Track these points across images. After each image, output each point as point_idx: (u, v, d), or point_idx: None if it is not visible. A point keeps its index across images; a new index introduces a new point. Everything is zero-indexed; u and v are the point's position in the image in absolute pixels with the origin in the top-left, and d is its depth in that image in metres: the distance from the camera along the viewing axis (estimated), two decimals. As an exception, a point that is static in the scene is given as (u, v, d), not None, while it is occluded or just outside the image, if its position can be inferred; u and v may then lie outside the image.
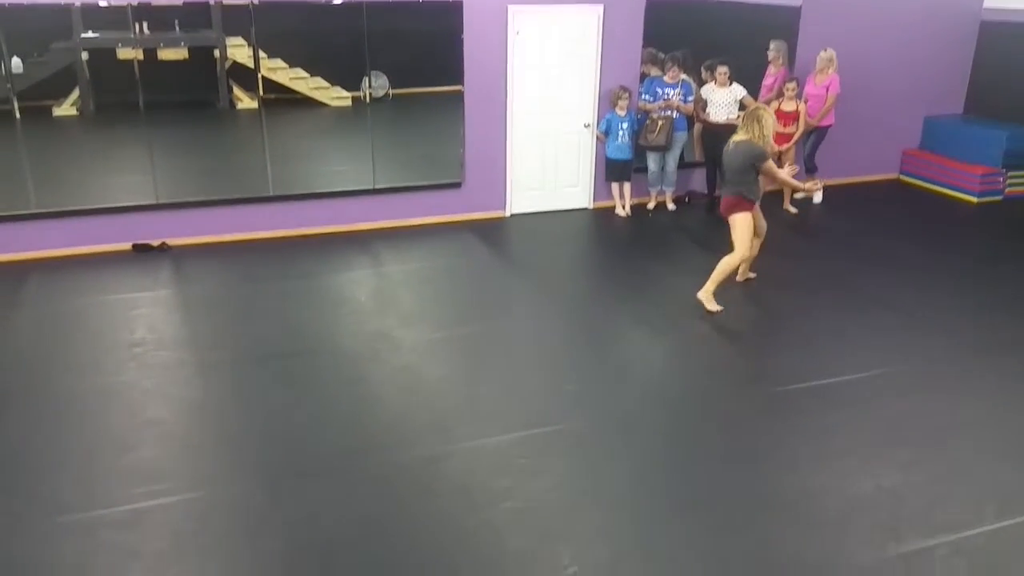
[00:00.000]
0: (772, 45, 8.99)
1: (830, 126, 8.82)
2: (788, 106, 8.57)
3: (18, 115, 7.24)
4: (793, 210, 8.83)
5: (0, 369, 5.35)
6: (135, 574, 3.57)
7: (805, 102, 8.68)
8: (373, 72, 8.16)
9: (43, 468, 4.29)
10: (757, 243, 6.58)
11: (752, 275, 6.83)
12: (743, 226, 6.15)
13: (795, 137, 8.62)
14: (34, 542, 3.75)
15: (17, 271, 7.02)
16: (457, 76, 8.14)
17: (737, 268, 6.35)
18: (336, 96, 8.63)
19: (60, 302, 6.41)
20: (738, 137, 6.15)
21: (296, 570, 3.60)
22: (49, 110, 7.95)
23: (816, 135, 8.85)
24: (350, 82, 8.35)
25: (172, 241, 7.64)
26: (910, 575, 3.58)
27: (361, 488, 4.18)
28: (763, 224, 6.48)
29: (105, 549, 3.71)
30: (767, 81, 9.06)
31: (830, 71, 8.65)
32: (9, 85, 7.15)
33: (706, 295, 6.22)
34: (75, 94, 8.07)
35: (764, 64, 9.06)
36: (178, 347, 5.67)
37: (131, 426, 4.68)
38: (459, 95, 8.19)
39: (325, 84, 8.58)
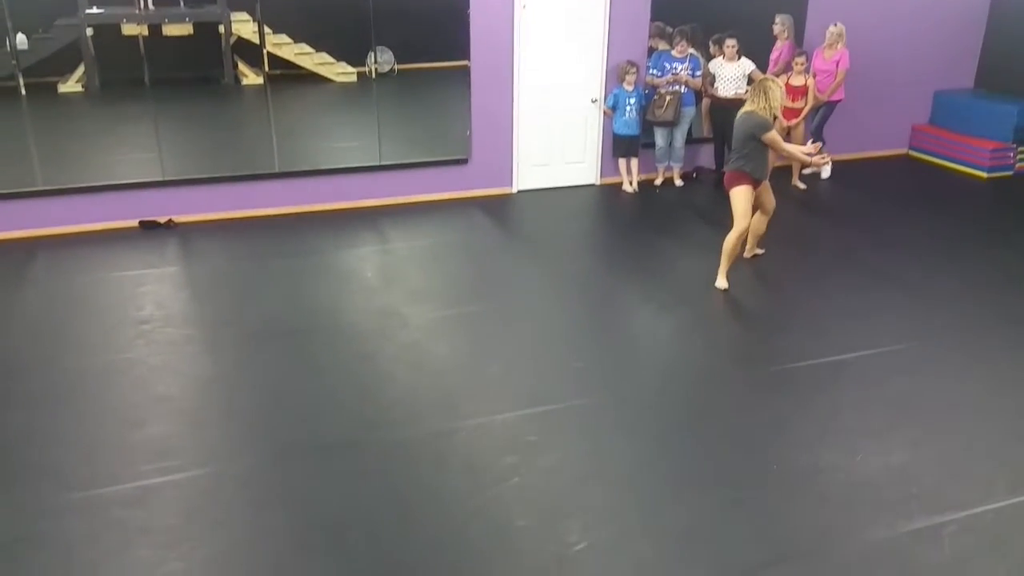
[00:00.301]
0: (778, 19, 8.89)
1: (840, 101, 8.73)
2: (796, 80, 8.49)
3: (23, 91, 7.20)
4: (802, 186, 8.78)
5: (9, 346, 5.37)
6: (145, 550, 3.58)
7: (813, 76, 8.60)
8: (378, 47, 8.10)
9: (52, 444, 4.31)
10: (765, 220, 6.54)
11: (760, 251, 6.79)
12: (742, 200, 6.09)
13: (804, 112, 8.55)
14: (44, 518, 3.77)
15: (24, 248, 7.02)
16: (463, 51, 8.08)
17: (740, 244, 6.30)
18: (341, 72, 8.57)
19: (67, 279, 6.41)
20: (745, 108, 6.10)
21: (305, 545, 3.62)
22: (54, 87, 7.91)
23: (825, 109, 8.77)
24: (355, 57, 8.29)
25: (179, 218, 7.63)
26: (919, 552, 3.58)
27: (370, 464, 4.19)
28: (772, 201, 6.43)
29: (115, 526, 3.73)
30: (773, 55, 8.97)
31: (839, 46, 8.56)
32: (14, 61, 7.12)
33: (720, 276, 6.22)
34: (80, 70, 8.03)
35: (772, 38, 8.97)
36: (186, 324, 5.67)
37: (140, 403, 4.70)
38: (465, 70, 8.14)
39: (330, 60, 8.52)
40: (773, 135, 5.99)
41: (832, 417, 4.59)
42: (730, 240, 6.15)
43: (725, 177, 6.29)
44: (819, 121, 8.82)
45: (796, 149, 6.44)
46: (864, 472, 4.10)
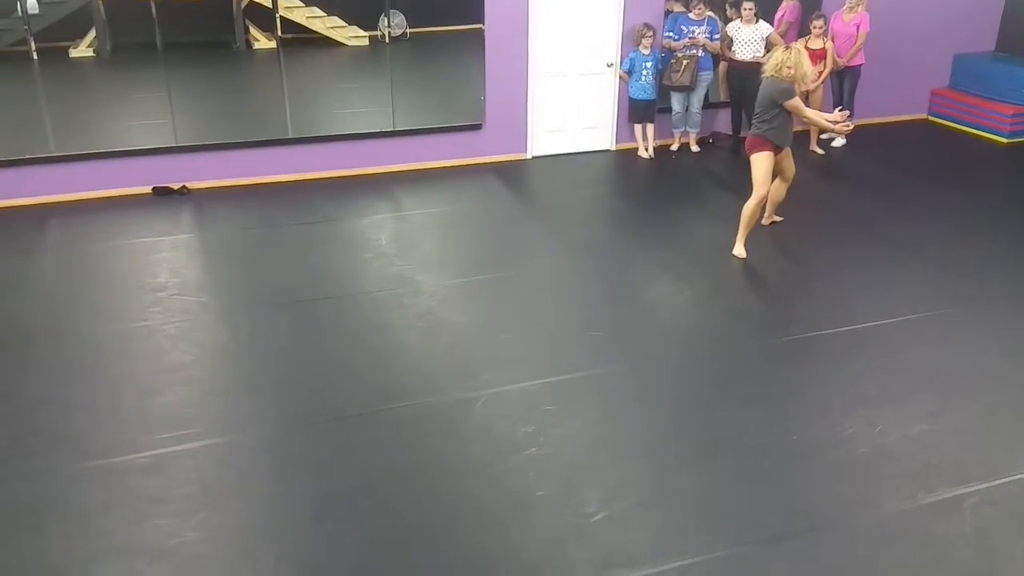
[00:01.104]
0: None
1: (861, 66, 8.56)
2: (815, 44, 8.33)
3: (35, 56, 7.14)
4: (819, 151, 8.65)
5: (25, 313, 5.37)
6: (162, 519, 3.59)
7: (832, 40, 8.44)
8: (391, 11, 7.98)
9: (69, 412, 4.32)
10: (784, 188, 6.45)
11: (778, 219, 6.71)
12: (762, 166, 6.00)
13: (822, 76, 8.40)
14: (62, 486, 3.78)
15: (38, 215, 7.01)
16: (477, 15, 7.96)
17: (759, 211, 6.21)
18: (353, 36, 8.47)
19: (82, 246, 6.40)
20: (769, 73, 5.97)
21: (322, 515, 3.62)
22: (66, 51, 7.86)
23: (850, 77, 8.59)
24: (367, 21, 8.18)
25: (192, 184, 7.59)
26: (940, 523, 3.55)
27: (386, 433, 4.18)
28: (792, 169, 6.34)
29: (132, 494, 3.74)
30: (777, 14, 8.80)
31: (860, 8, 8.37)
32: (26, 26, 7.05)
33: (738, 243, 6.16)
34: (91, 35, 7.96)
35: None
36: (201, 291, 5.66)
37: (156, 371, 4.70)
38: (479, 34, 8.02)
39: (342, 23, 8.42)
40: (796, 102, 5.88)
41: (851, 386, 4.55)
42: (749, 207, 6.07)
43: (746, 142, 6.19)
44: (849, 92, 8.65)
45: (820, 116, 6.33)
46: (884, 442, 4.07)
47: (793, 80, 5.86)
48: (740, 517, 3.60)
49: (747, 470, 3.90)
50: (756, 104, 6.07)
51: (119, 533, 3.51)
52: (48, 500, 3.70)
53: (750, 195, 6.07)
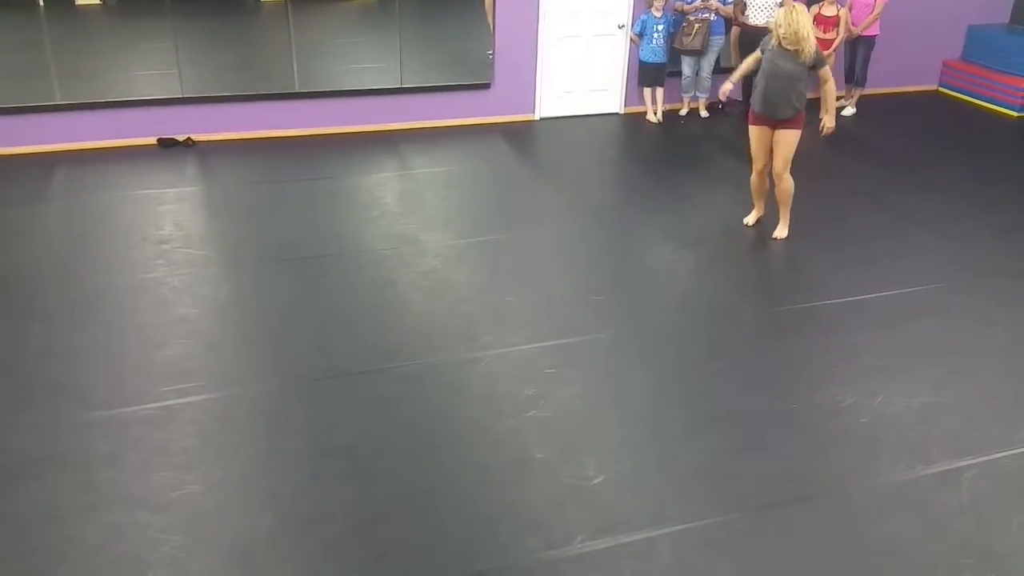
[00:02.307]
0: None
1: (876, 36, 8.45)
2: (828, 11, 8.22)
3: (41, 3, 7.05)
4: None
5: (29, 261, 5.36)
6: (164, 470, 3.62)
7: (849, 8, 8.31)
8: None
9: (73, 362, 4.34)
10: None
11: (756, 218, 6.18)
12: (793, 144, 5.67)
13: (835, 44, 8.29)
14: (68, 436, 3.81)
15: (44, 163, 6.97)
16: (488, -29, 7.84)
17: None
18: (363, -10, 8.35)
19: (87, 196, 6.38)
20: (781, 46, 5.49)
21: (322, 472, 3.65)
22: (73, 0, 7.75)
23: (864, 47, 8.49)
24: (377, -25, 8.07)
25: (197, 136, 7.54)
26: (938, 496, 3.58)
27: (387, 392, 4.20)
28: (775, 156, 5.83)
29: (135, 445, 3.76)
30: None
31: (881, -24, 8.24)
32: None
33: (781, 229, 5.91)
34: (98, -18, 7.85)
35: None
36: (205, 245, 5.65)
37: (160, 323, 4.71)
38: (489, -9, 7.91)
39: (351, -23, 8.29)
40: (828, 71, 5.59)
41: (854, 357, 4.55)
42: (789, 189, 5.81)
43: (795, 119, 5.62)
44: (862, 63, 8.55)
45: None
46: (885, 413, 4.08)
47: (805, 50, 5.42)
48: (738, 484, 3.63)
49: (746, 437, 3.92)
50: (784, 81, 5.54)
51: (123, 483, 3.54)
52: (52, 450, 3.72)
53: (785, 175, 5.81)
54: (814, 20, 8.25)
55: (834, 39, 8.27)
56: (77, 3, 7.77)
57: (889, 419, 4.04)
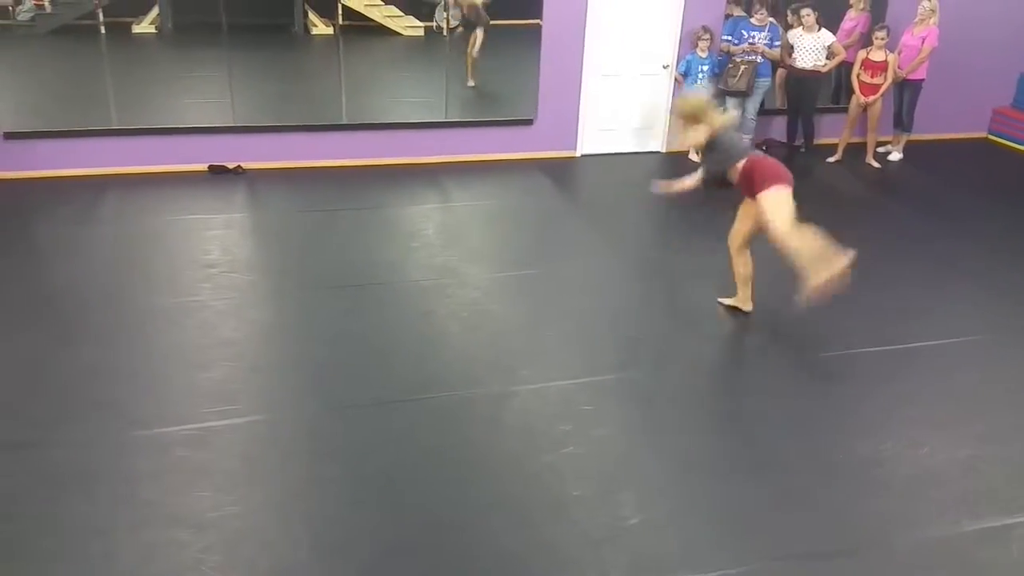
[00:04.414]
0: None
1: (922, 80, 8.40)
2: (876, 56, 8.20)
3: (103, 30, 7.26)
4: (876, 165, 8.53)
5: (80, 282, 5.49)
6: (205, 490, 3.66)
7: (899, 53, 8.29)
8: (447, 2, 7.99)
9: (120, 383, 4.41)
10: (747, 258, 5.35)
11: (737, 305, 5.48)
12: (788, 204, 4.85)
13: (882, 89, 8.26)
14: (111, 453, 3.87)
15: (97, 185, 7.15)
16: (533, 10, 7.95)
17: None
18: (409, 25, 8.52)
19: (138, 219, 6.52)
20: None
21: (359, 499, 3.66)
22: (128, 27, 8.00)
23: (910, 92, 8.44)
24: (423, 12, 8.22)
25: (247, 164, 7.69)
26: (985, 553, 3.49)
27: (425, 421, 4.21)
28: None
29: (177, 465, 3.81)
30: (846, 25, 8.68)
31: (931, 22, 8.20)
32: (96, 1, 7.18)
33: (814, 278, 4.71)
34: (154, 12, 8.10)
35: (847, 7, 8.69)
36: (251, 270, 5.74)
37: (205, 345, 4.78)
38: (534, 29, 8.01)
39: (398, 13, 8.47)
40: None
41: (897, 407, 4.48)
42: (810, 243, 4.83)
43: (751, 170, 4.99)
44: (908, 107, 8.51)
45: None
46: (928, 465, 4.01)
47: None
48: (776, 531, 3.57)
49: (785, 484, 3.86)
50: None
51: (163, 502, 3.58)
52: (97, 466, 3.78)
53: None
54: (862, 65, 8.25)
55: (881, 84, 8.24)
56: (133, 31, 8.01)
57: (933, 471, 3.97)
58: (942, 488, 3.85)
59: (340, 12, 7.82)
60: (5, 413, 4.14)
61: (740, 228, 5.25)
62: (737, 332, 5.27)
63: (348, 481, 3.77)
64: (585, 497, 3.72)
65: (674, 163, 8.43)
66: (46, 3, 7.83)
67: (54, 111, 7.61)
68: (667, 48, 8.36)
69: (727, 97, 8.33)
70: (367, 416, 4.23)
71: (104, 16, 7.23)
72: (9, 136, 7.15)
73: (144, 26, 8.14)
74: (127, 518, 3.48)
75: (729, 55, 8.20)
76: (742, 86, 8.15)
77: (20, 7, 7.69)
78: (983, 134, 9.76)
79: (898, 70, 8.29)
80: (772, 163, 5.05)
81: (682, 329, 5.27)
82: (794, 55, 8.15)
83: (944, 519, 3.66)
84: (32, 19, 7.81)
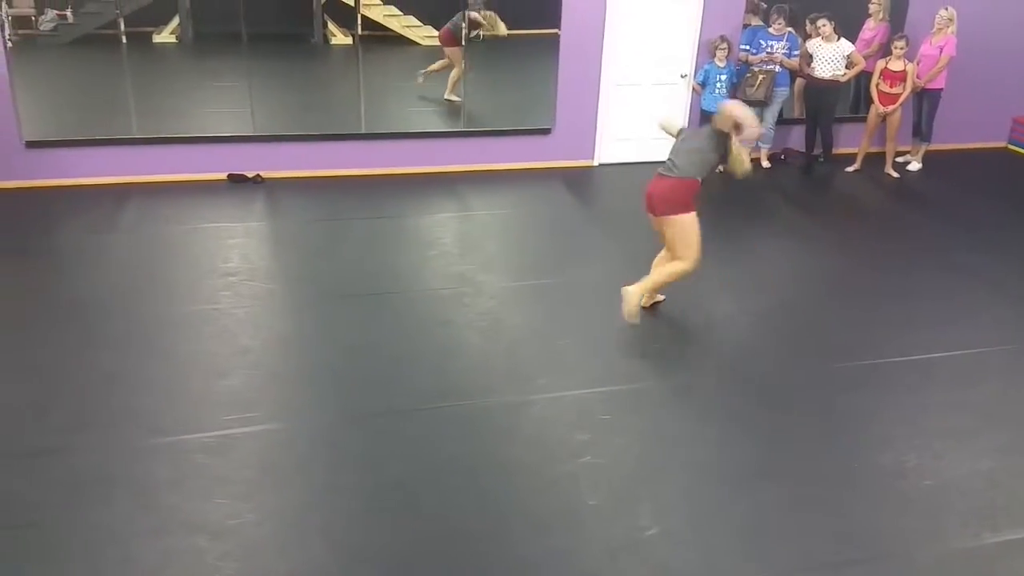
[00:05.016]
0: None
1: (941, 90, 8.36)
2: (895, 65, 8.17)
3: (124, 40, 7.34)
4: (894, 174, 8.48)
5: (101, 290, 5.53)
6: (223, 498, 3.68)
7: (917, 63, 8.25)
8: (466, 12, 8.04)
9: (139, 389, 4.44)
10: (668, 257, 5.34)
11: (661, 297, 5.58)
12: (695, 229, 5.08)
13: (901, 99, 8.22)
14: (130, 460, 3.89)
15: (118, 194, 7.22)
16: (551, 19, 7.98)
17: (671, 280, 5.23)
18: (427, 35, 8.58)
19: (158, 227, 6.58)
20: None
21: (376, 507, 3.67)
22: (149, 37, 8.09)
23: (929, 101, 8.41)
24: (442, 22, 8.26)
25: (266, 173, 7.74)
26: (1006, 565, 3.45)
27: (442, 430, 4.21)
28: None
29: (196, 472, 3.83)
30: (865, 35, 8.67)
31: (948, 31, 8.17)
32: (117, 11, 7.28)
33: (636, 296, 5.08)
34: (175, 22, 8.20)
35: (866, 17, 8.67)
36: (270, 279, 5.77)
37: (223, 353, 4.81)
38: (552, 39, 8.03)
39: (417, 23, 8.53)
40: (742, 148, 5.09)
41: (917, 417, 4.45)
42: (677, 277, 5.19)
43: (668, 188, 5.07)
44: (927, 117, 8.47)
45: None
46: (950, 476, 3.97)
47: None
48: (795, 542, 3.55)
49: (805, 495, 3.84)
50: (692, 143, 5.21)
51: (182, 509, 3.60)
52: (116, 472, 3.81)
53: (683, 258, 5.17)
54: (881, 74, 8.22)
55: (900, 94, 8.21)
56: (154, 41, 8.10)
57: (954, 482, 3.93)
58: (962, 499, 3.82)
59: (359, 22, 7.87)
60: (26, 419, 4.18)
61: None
62: (755, 342, 5.25)
63: (365, 489, 3.78)
64: (602, 507, 3.71)
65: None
66: (68, 13, 7.93)
67: (76, 120, 7.71)
68: (685, 57, 8.36)
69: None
70: (385, 424, 4.24)
71: (125, 26, 7.31)
72: (31, 144, 7.23)
73: (165, 36, 8.24)
74: (145, 524, 3.50)
75: (747, 65, 8.20)
76: (760, 95, 8.14)
77: (43, 17, 7.80)
78: (1002, 143, 9.69)
79: (916, 80, 8.25)
80: None
81: (701, 339, 5.26)
82: (813, 65, 8.13)
83: (966, 531, 3.63)
84: (55, 29, 7.92)
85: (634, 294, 5.07)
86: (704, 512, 3.72)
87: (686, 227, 5.05)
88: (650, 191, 5.19)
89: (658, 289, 5.33)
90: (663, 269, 5.21)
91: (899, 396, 4.65)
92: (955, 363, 5.00)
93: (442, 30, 8.15)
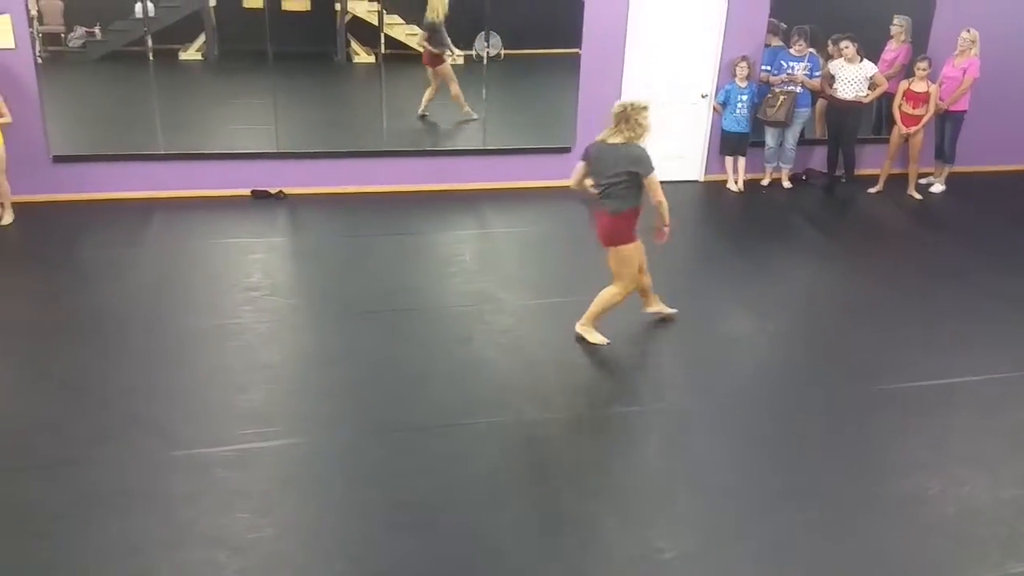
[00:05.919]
0: (896, 20, 8.58)
1: (964, 112, 8.31)
2: (918, 87, 8.14)
3: (151, 56, 7.44)
4: (917, 196, 8.43)
5: (124, 303, 5.58)
6: (242, 512, 3.68)
7: (940, 85, 8.22)
8: (487, 31, 8.10)
9: (160, 403, 4.47)
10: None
11: (673, 311, 5.65)
12: (635, 259, 5.18)
13: (924, 120, 8.19)
14: (149, 473, 3.92)
15: (143, 208, 7.29)
16: (572, 39, 8.01)
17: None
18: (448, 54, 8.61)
19: (181, 241, 6.64)
20: (611, 140, 5.08)
21: (395, 523, 3.66)
22: (175, 54, 8.20)
23: (952, 123, 8.36)
24: (463, 41, 8.32)
25: (289, 190, 7.80)
26: (1028, 594, 3.41)
27: (460, 447, 4.21)
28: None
29: (215, 485, 3.85)
30: (887, 56, 8.65)
31: (971, 53, 8.13)
32: (145, 29, 7.38)
33: (585, 327, 5.27)
34: (201, 40, 8.30)
35: (888, 38, 8.65)
36: (291, 294, 5.81)
37: (244, 368, 4.83)
38: (573, 58, 8.07)
39: (440, 42, 8.56)
40: (655, 178, 5.00)
41: (940, 443, 4.40)
42: (613, 299, 5.21)
43: (607, 224, 5.08)
44: (950, 139, 8.42)
45: (665, 209, 5.14)
46: (973, 504, 3.91)
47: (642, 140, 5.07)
48: (815, 568, 3.51)
49: (825, 519, 3.80)
50: (606, 172, 5.04)
51: (200, 522, 3.61)
52: (135, 485, 3.83)
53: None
54: (904, 96, 8.19)
55: (923, 115, 8.17)
56: (180, 58, 8.21)
57: (977, 510, 3.88)
58: (985, 528, 3.76)
59: (382, 41, 7.94)
60: (47, 431, 4.22)
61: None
62: (775, 363, 5.22)
63: (384, 506, 3.78)
64: (620, 528, 3.69)
65: (712, 192, 8.42)
66: (97, 31, 8.05)
67: (103, 135, 7.81)
68: (706, 78, 8.36)
69: (767, 127, 8.32)
70: (404, 441, 4.24)
71: (152, 43, 7.41)
72: (59, 159, 7.33)
73: (191, 53, 8.34)
74: (163, 537, 3.52)
75: (768, 85, 8.20)
76: (781, 116, 8.13)
77: (72, 34, 7.93)
78: (1027, 166, 9.62)
79: (939, 102, 8.21)
80: None
81: (721, 359, 5.23)
82: (835, 86, 8.12)
83: (987, 560, 3.57)
84: (83, 46, 8.04)
85: (586, 331, 5.27)
86: (722, 535, 3.68)
87: (626, 256, 5.15)
88: (596, 224, 5.27)
89: (598, 317, 5.28)
90: (599, 297, 5.27)
91: (922, 420, 4.60)
92: (978, 388, 4.95)
93: (423, 54, 8.27)
